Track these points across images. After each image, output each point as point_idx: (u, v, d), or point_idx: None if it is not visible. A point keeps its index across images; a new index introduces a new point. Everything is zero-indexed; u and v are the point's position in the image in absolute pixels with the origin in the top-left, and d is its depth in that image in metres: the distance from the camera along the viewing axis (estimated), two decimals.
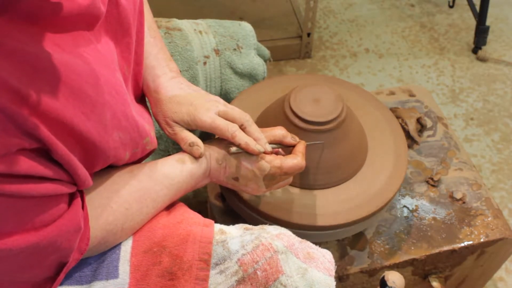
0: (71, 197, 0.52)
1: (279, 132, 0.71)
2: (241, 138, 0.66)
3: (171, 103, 0.68)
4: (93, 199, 0.58)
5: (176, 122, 0.68)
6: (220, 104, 0.69)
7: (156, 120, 0.70)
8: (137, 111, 0.62)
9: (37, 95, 0.43)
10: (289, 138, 0.71)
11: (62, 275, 0.53)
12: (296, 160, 0.69)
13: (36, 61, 0.43)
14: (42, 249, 0.48)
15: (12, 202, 0.44)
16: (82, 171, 0.50)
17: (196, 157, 0.66)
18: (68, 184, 0.50)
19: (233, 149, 0.66)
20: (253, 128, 0.67)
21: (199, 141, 0.67)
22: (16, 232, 0.45)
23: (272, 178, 0.69)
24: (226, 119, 0.67)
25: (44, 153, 0.46)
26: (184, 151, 0.68)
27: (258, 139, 0.67)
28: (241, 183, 0.69)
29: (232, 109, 0.68)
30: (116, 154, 0.55)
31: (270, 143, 0.69)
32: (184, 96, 0.69)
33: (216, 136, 0.71)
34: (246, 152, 0.67)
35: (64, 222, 0.50)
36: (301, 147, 0.71)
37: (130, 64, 0.61)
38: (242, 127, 0.67)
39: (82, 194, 0.55)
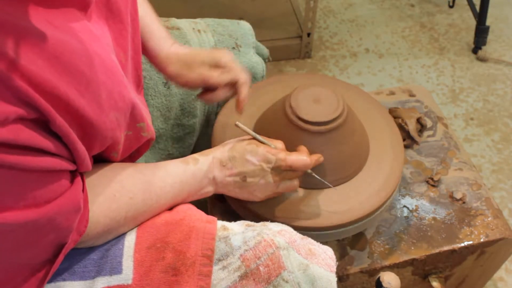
0: (72, 178, 0.52)
1: (277, 144, 0.73)
2: (245, 91, 0.75)
3: (192, 51, 0.77)
4: (95, 187, 0.58)
5: (199, 64, 0.75)
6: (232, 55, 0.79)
7: (172, 77, 0.75)
8: (136, 98, 0.62)
9: (30, 66, 0.43)
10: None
11: (61, 256, 0.53)
12: (300, 155, 0.71)
13: (27, 35, 0.43)
14: (41, 227, 0.48)
15: (13, 174, 0.44)
16: (81, 147, 0.50)
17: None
18: (68, 161, 0.50)
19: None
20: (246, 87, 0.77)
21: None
22: (17, 207, 0.45)
23: (278, 173, 0.70)
24: None
25: (43, 124, 0.46)
26: (188, 156, 0.70)
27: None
28: (249, 182, 0.70)
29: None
30: (114, 135, 0.55)
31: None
32: (199, 48, 0.81)
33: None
34: (252, 138, 0.72)
35: (64, 201, 0.50)
36: (303, 148, 0.73)
37: (126, 51, 0.61)
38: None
39: (82, 176, 0.55)
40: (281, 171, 0.71)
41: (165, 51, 0.76)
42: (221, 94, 0.76)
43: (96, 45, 0.52)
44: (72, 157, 0.51)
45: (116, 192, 0.60)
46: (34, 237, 0.49)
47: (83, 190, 0.54)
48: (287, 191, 0.74)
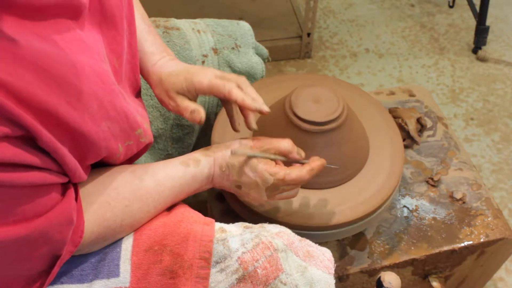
0: (64, 190, 0.52)
1: (285, 145, 0.68)
2: (237, 93, 0.66)
3: (170, 77, 0.70)
4: (90, 195, 0.58)
5: (177, 92, 0.69)
6: (217, 71, 0.70)
7: (159, 101, 0.71)
8: (131, 104, 0.62)
9: (16, 82, 0.42)
10: (295, 153, 0.69)
11: (56, 268, 0.53)
12: (301, 173, 0.66)
13: (14, 50, 0.43)
14: (33, 241, 0.48)
15: (0, 191, 0.43)
16: (71, 160, 0.50)
17: (197, 122, 0.67)
18: (58, 174, 0.50)
19: (235, 149, 0.66)
20: (250, 89, 0.68)
21: (200, 108, 0.67)
22: (6, 223, 0.45)
23: (274, 189, 0.68)
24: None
25: (30, 141, 0.46)
26: (188, 154, 0.69)
27: (255, 99, 0.67)
28: (243, 191, 0.69)
29: (228, 74, 0.69)
30: (108, 145, 0.55)
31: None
32: (182, 69, 0.71)
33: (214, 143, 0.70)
34: (248, 159, 0.66)
35: (55, 214, 0.49)
36: (317, 163, 0.68)
37: (120, 56, 0.60)
38: (239, 88, 0.68)
39: (76, 187, 0.54)
40: (278, 187, 0.67)
41: (148, 69, 0.72)
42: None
43: (87, 55, 0.51)
44: (62, 169, 0.50)
45: (111, 200, 0.59)
46: (27, 251, 0.49)
47: (76, 201, 0.53)
48: (283, 199, 0.71)
